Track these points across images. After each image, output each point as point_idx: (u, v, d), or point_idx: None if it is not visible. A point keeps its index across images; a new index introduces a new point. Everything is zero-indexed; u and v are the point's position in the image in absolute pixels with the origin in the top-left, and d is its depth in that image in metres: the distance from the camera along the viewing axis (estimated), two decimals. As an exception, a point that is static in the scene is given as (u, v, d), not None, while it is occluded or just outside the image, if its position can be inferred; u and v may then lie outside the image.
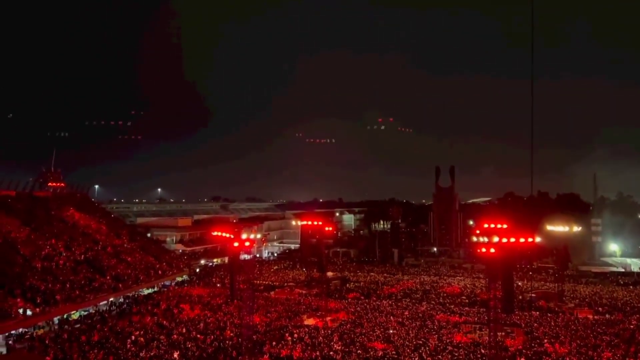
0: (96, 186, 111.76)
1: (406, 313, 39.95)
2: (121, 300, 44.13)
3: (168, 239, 75.14)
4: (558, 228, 53.30)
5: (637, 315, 39.32)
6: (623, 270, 68.88)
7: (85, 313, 39.33)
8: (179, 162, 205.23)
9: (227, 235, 46.02)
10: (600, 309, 42.64)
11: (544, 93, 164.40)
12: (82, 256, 47.27)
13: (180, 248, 73.43)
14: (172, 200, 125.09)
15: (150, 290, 49.21)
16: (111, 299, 43.22)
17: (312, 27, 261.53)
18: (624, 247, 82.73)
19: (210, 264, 71.12)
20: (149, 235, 73.19)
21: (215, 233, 51.92)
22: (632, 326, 35.22)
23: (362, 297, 47.35)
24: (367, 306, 42.83)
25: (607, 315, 40.23)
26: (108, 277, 45.42)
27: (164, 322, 35.48)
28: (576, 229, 53.85)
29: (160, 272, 53.57)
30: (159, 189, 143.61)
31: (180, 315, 37.77)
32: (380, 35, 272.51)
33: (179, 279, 56.40)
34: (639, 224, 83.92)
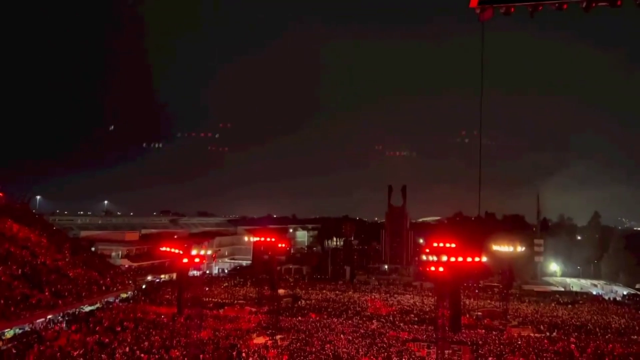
0: (38, 197, 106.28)
1: (361, 330, 40.02)
2: (60, 317, 41.90)
3: (113, 254, 72.58)
4: (503, 248, 55.06)
5: (576, 334, 41.03)
6: (563, 289, 71.94)
7: (21, 331, 37.02)
8: (128, 175, 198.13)
9: (176, 250, 44.76)
10: (541, 327, 44.19)
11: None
12: (20, 270, 44.70)
13: (126, 263, 71.00)
14: (119, 213, 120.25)
15: (92, 307, 47.03)
16: (49, 317, 40.93)
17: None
18: (564, 267, 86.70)
19: (158, 280, 68.93)
20: (93, 249, 70.40)
21: (163, 249, 50.39)
22: (572, 345, 36.63)
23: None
24: (318, 324, 42.59)
25: (547, 334, 41.74)
26: (47, 293, 43.10)
27: (106, 340, 33.94)
28: (520, 249, 55.74)
29: (103, 288, 51.40)
30: (106, 202, 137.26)
31: (124, 334, 36.26)
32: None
33: (124, 295, 54.17)
34: (578, 245, 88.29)
